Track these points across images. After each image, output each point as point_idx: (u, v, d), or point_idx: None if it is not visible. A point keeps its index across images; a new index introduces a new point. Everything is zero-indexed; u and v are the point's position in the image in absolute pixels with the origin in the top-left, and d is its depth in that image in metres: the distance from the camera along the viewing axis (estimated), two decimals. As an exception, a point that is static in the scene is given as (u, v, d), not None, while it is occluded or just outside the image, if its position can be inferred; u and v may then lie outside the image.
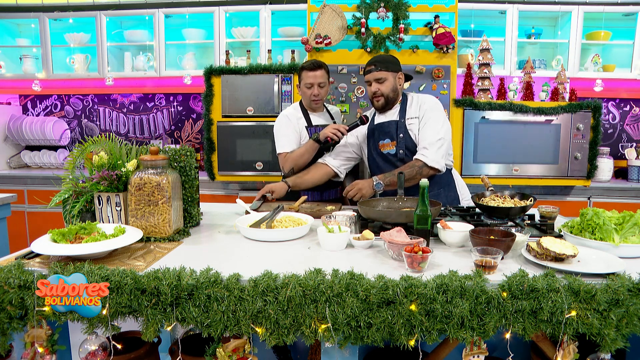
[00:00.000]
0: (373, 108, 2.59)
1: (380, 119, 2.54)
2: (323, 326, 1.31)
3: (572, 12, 3.84)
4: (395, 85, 2.45)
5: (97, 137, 1.92)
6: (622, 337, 1.31)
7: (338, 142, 2.51)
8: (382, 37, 3.49)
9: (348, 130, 2.48)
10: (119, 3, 4.23)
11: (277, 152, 2.73)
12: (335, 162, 2.62)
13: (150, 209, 1.76)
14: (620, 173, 4.14)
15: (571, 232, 1.72)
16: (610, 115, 4.33)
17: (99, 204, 1.81)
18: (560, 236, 1.77)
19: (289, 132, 2.69)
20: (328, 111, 2.87)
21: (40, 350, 1.48)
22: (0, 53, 4.49)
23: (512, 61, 3.92)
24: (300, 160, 2.61)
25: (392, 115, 2.50)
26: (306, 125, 2.72)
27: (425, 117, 2.42)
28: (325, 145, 2.56)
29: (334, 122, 2.83)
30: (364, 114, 2.53)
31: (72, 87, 4.69)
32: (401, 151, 2.44)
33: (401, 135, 2.44)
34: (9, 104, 4.72)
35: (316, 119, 2.76)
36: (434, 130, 2.38)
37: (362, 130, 2.62)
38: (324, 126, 2.70)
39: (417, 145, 2.43)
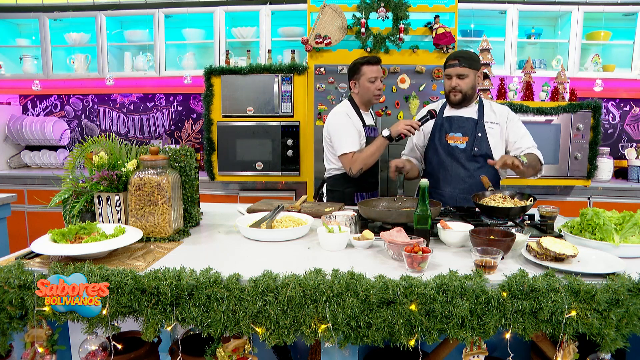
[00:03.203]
0: (445, 100, 2.56)
1: (452, 112, 2.52)
2: (323, 326, 1.31)
3: (572, 12, 3.84)
4: (475, 83, 2.45)
5: (97, 137, 1.92)
6: (622, 337, 1.31)
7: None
8: (382, 37, 3.49)
9: (420, 126, 2.43)
10: (119, 3, 4.23)
11: (341, 152, 2.57)
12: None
13: (150, 209, 1.76)
14: (620, 173, 4.14)
15: (571, 232, 1.72)
16: (610, 115, 4.33)
17: (99, 204, 1.81)
18: (560, 236, 1.77)
19: (352, 131, 2.60)
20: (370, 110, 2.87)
21: (40, 350, 1.48)
22: (0, 53, 4.49)
23: (512, 61, 3.92)
24: (370, 159, 2.52)
25: (470, 112, 2.49)
26: (362, 124, 2.67)
27: (517, 124, 2.49)
28: (397, 142, 2.52)
29: (375, 121, 2.84)
30: (432, 108, 2.48)
31: (72, 87, 4.69)
32: (476, 149, 2.43)
33: (479, 134, 2.44)
34: (9, 104, 4.72)
35: (367, 118, 2.73)
36: (530, 137, 2.48)
37: (429, 124, 2.57)
38: (371, 126, 2.69)
39: (490, 148, 2.44)
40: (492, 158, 2.42)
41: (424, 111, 2.54)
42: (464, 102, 2.46)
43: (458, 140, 2.46)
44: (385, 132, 2.45)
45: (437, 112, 2.50)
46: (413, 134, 2.43)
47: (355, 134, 2.60)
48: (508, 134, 2.49)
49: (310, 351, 1.86)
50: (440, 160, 2.49)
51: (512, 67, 3.93)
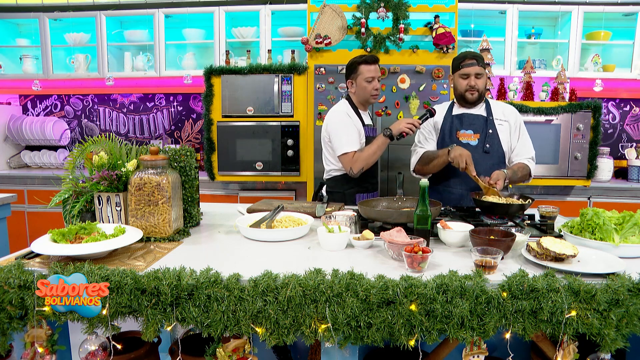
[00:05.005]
0: (450, 102, 2.58)
1: (462, 110, 2.54)
2: (323, 326, 1.31)
3: (572, 12, 3.84)
4: (486, 83, 2.51)
5: (97, 137, 1.92)
6: (622, 337, 1.31)
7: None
8: (382, 37, 3.49)
9: (420, 124, 2.44)
10: (119, 3, 4.23)
11: (341, 152, 2.54)
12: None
13: (150, 209, 1.76)
14: (620, 173, 4.14)
15: (571, 232, 1.72)
16: (610, 115, 4.33)
17: (99, 204, 1.81)
18: (560, 236, 1.77)
19: (352, 130, 2.57)
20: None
21: (40, 350, 1.48)
22: (0, 53, 4.49)
23: (512, 61, 3.92)
24: (372, 158, 2.51)
25: (479, 110, 2.52)
26: (361, 123, 2.65)
27: (522, 129, 2.53)
28: (398, 141, 2.52)
29: (373, 121, 2.83)
30: (432, 106, 2.49)
31: (72, 87, 4.69)
32: (488, 145, 2.45)
33: (490, 131, 2.46)
34: (9, 104, 4.72)
35: (366, 118, 2.71)
36: (531, 145, 2.53)
37: (435, 121, 2.57)
38: (370, 125, 2.68)
39: (502, 146, 2.47)
40: (503, 155, 2.48)
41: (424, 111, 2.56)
42: (479, 100, 2.49)
43: (469, 137, 2.47)
44: (387, 131, 2.45)
45: (436, 110, 2.50)
46: (414, 132, 2.45)
47: (355, 133, 2.58)
48: (512, 139, 2.52)
49: (310, 351, 1.86)
50: None
51: (512, 67, 3.93)
